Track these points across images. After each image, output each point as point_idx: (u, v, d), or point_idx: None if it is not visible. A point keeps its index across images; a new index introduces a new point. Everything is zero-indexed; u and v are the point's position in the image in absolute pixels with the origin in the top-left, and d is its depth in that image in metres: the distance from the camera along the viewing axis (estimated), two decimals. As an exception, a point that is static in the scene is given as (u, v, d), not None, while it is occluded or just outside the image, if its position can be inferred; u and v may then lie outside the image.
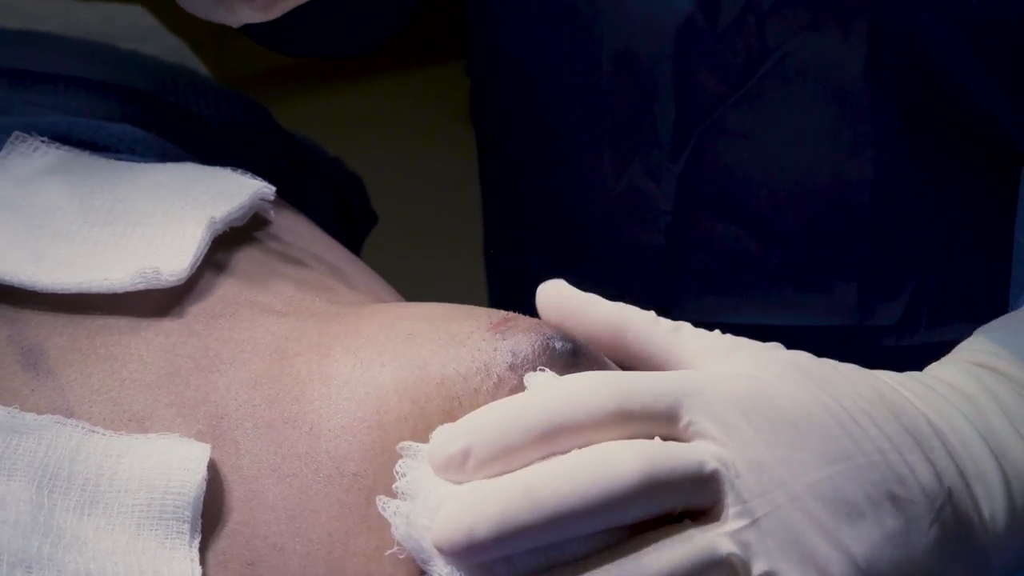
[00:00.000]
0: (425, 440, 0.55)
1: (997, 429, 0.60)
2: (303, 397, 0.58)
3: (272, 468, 0.56)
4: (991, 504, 0.58)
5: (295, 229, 0.74)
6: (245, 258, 0.68)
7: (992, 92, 0.80)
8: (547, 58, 0.89)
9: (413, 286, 0.84)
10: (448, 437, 0.55)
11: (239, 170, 0.72)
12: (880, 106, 0.80)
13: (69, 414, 0.58)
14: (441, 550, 0.52)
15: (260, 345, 0.61)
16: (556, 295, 0.62)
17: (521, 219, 1.00)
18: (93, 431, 0.56)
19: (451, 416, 0.56)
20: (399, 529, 0.53)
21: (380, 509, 0.53)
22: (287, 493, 0.56)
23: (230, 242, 0.68)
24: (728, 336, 0.61)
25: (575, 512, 0.52)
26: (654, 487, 0.53)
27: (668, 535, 0.54)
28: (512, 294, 1.01)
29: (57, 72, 0.87)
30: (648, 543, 0.53)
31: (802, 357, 0.60)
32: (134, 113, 0.88)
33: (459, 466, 0.54)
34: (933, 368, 0.64)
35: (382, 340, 0.60)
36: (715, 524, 0.54)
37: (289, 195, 0.80)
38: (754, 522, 0.54)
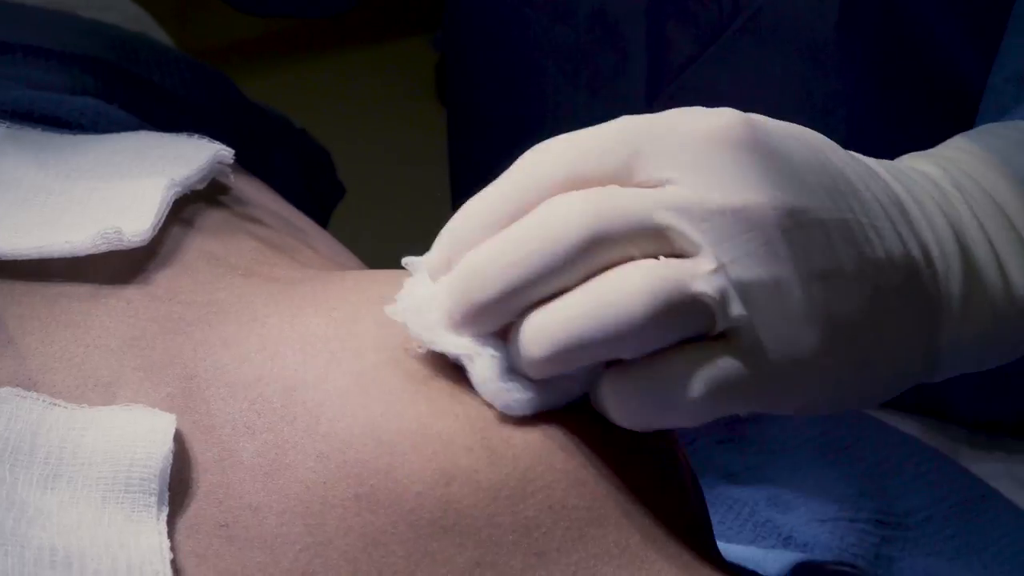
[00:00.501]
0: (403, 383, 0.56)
1: (963, 220, 0.58)
2: (277, 355, 0.57)
3: (246, 426, 0.55)
4: (949, 283, 0.56)
5: (257, 196, 0.73)
6: (206, 221, 0.67)
7: (964, 49, 0.79)
8: (523, 19, 0.88)
9: (378, 259, 0.83)
10: (433, 253, 0.56)
11: (196, 135, 0.71)
12: (853, 62, 0.80)
13: (31, 384, 0.57)
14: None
15: (225, 307, 0.61)
16: None
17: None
18: (55, 404, 0.55)
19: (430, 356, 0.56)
20: (405, 316, 0.56)
21: (390, 313, 0.55)
22: (263, 450, 0.55)
23: (190, 206, 0.67)
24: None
25: (521, 284, 0.52)
26: (601, 242, 0.51)
27: (629, 272, 0.51)
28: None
29: (17, 41, 0.86)
30: (611, 280, 0.51)
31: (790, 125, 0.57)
32: (96, 84, 0.87)
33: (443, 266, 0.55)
34: (905, 158, 0.62)
35: (354, 302, 0.59)
36: (683, 263, 0.52)
37: (255, 167, 0.80)
38: (722, 267, 0.51)
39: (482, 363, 0.55)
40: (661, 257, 0.51)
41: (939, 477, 0.79)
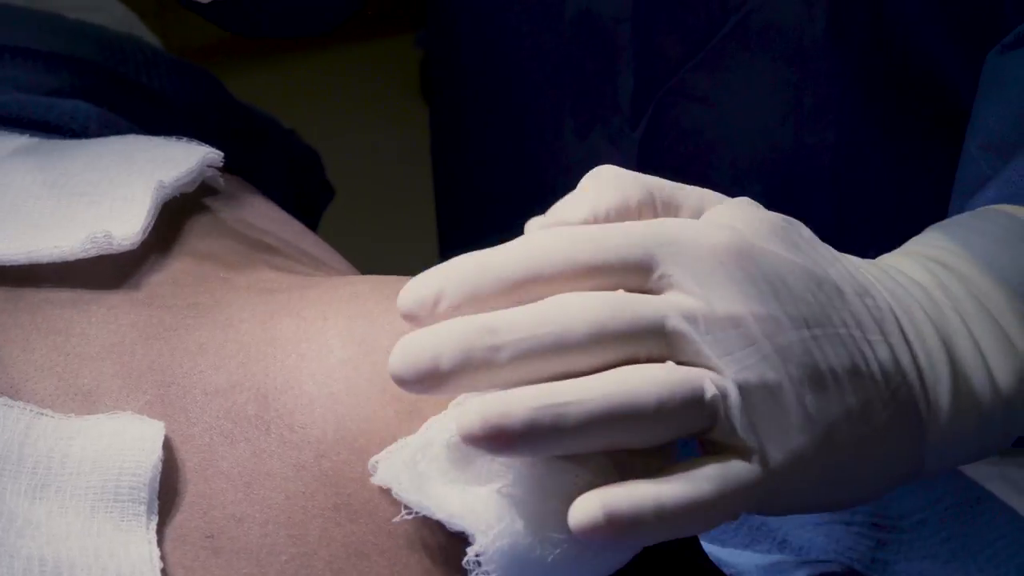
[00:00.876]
0: (369, 380, 0.54)
1: (949, 324, 0.59)
2: (249, 360, 0.57)
3: (224, 434, 0.55)
4: (937, 395, 0.58)
5: (246, 200, 0.73)
6: (194, 225, 0.67)
7: (951, 57, 0.80)
8: (508, 22, 0.88)
9: (365, 260, 0.83)
10: (419, 282, 0.53)
11: (184, 138, 0.70)
12: (841, 69, 0.80)
13: (14, 392, 0.57)
14: (402, 381, 0.50)
15: (203, 311, 0.60)
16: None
17: (478, 191, 0.99)
18: (42, 413, 0.55)
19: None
20: (392, 475, 0.52)
21: (373, 479, 0.52)
22: (241, 459, 0.54)
23: (179, 209, 0.67)
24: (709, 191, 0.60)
25: (530, 351, 0.51)
26: (612, 337, 0.52)
27: (649, 368, 0.52)
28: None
29: (4, 43, 0.85)
30: (631, 373, 0.52)
31: (783, 219, 0.59)
32: (84, 85, 0.86)
33: (430, 309, 0.52)
34: (887, 258, 0.63)
35: (326, 301, 0.59)
36: (694, 368, 0.53)
37: (245, 168, 0.79)
38: (728, 375, 0.53)
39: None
40: (670, 362, 0.53)
41: (933, 480, 0.79)
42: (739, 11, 0.80)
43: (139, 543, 0.52)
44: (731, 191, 0.85)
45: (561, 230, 0.55)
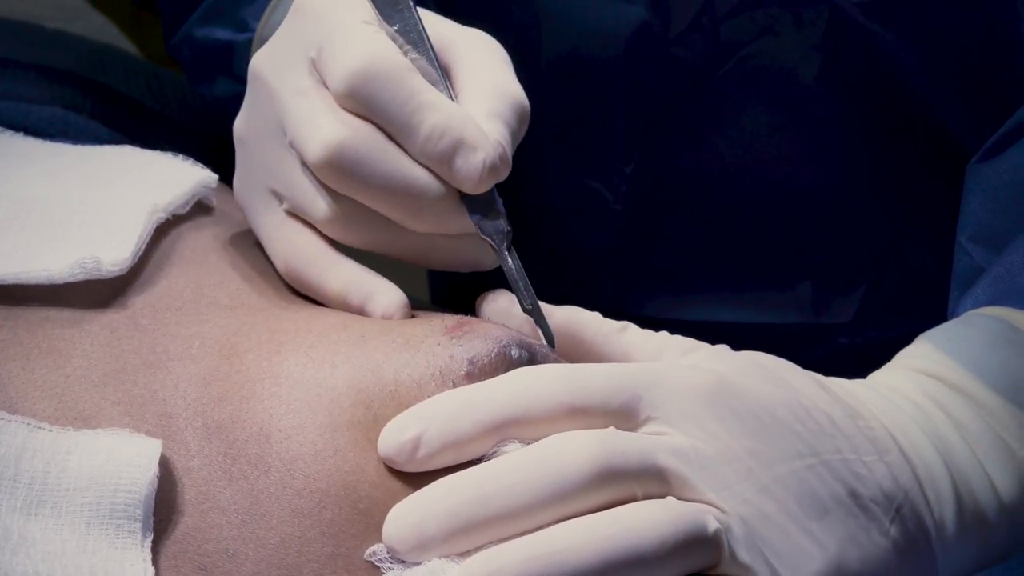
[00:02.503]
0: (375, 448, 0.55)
1: (945, 436, 0.60)
2: (253, 396, 0.57)
3: (223, 470, 0.55)
4: (941, 508, 0.59)
5: (238, 216, 0.72)
6: (189, 247, 0.66)
7: (945, 100, 0.80)
8: None
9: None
10: (399, 425, 0.54)
11: (180, 156, 0.70)
12: (834, 110, 0.80)
13: (12, 411, 0.56)
14: (392, 549, 0.52)
15: (208, 341, 0.60)
16: (506, 303, 0.62)
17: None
18: (39, 427, 0.55)
19: None
20: None
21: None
22: (239, 496, 0.54)
23: (173, 230, 0.67)
24: (678, 337, 0.61)
25: (527, 506, 0.52)
26: (609, 477, 0.52)
27: (648, 505, 0.53)
28: (451, 281, 0.99)
29: (-18, 53, 0.85)
30: (631, 512, 0.52)
31: (762, 356, 0.60)
32: (64, 94, 0.86)
33: (409, 454, 0.54)
34: (879, 375, 0.64)
35: (334, 340, 0.59)
36: (693, 504, 0.54)
37: (227, 176, 0.79)
38: (724, 513, 0.54)
39: None
40: (669, 498, 0.53)
41: None
42: (734, 55, 0.80)
43: (134, 561, 0.52)
44: (724, 230, 0.85)
45: (544, 370, 0.55)
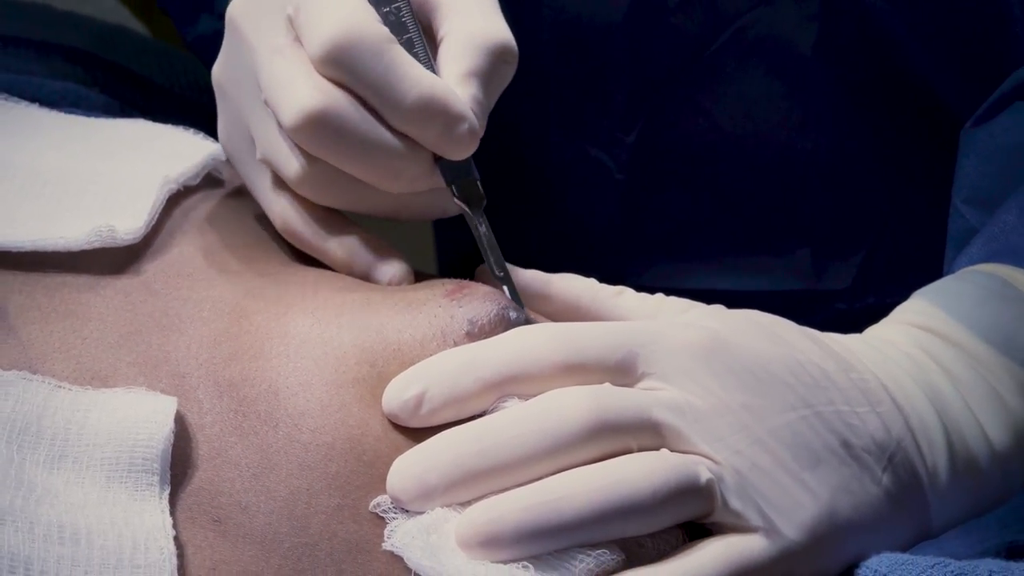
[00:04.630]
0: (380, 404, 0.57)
1: (938, 387, 0.62)
2: (261, 354, 0.59)
3: (234, 426, 0.57)
4: (934, 458, 0.60)
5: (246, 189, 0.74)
6: (200, 217, 0.68)
7: (939, 72, 0.81)
8: None
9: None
10: (402, 383, 0.57)
11: (191, 130, 0.72)
12: (831, 79, 0.81)
13: (32, 372, 0.58)
14: (396, 499, 0.55)
15: (219, 304, 0.62)
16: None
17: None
18: (60, 386, 0.56)
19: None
20: (405, 544, 0.54)
21: (388, 544, 0.55)
22: (249, 451, 0.56)
23: (184, 200, 0.68)
24: (674, 297, 0.63)
25: (525, 458, 0.54)
26: (604, 431, 0.54)
27: (642, 456, 0.54)
28: (461, 262, 1.00)
29: (-4, 33, 0.86)
30: (625, 463, 0.54)
31: (756, 313, 0.61)
32: (75, 72, 0.87)
33: (412, 411, 0.56)
34: (874, 329, 0.65)
35: (339, 302, 0.61)
36: (687, 455, 0.55)
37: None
38: (717, 464, 0.55)
39: None
40: (663, 449, 0.55)
41: None
42: (733, 23, 0.81)
43: (153, 512, 0.54)
44: (723, 197, 0.86)
45: (542, 329, 0.57)
